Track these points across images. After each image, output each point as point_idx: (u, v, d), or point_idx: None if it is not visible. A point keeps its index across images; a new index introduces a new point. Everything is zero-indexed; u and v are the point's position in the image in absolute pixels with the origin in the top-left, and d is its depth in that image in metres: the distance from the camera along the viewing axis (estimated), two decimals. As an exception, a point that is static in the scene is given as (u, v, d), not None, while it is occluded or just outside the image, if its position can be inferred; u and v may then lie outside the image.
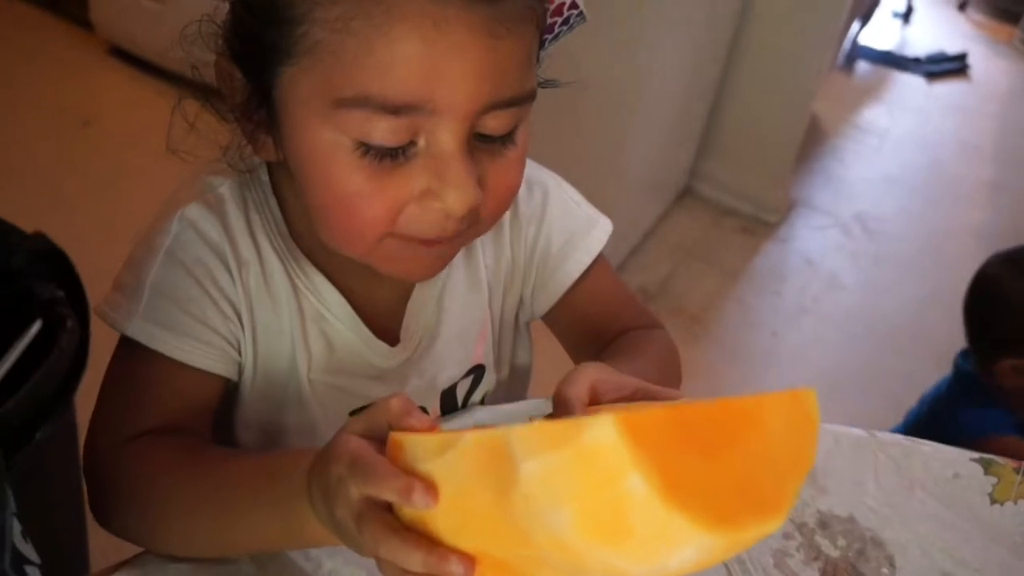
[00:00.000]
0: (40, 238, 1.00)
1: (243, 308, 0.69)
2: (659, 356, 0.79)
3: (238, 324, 0.69)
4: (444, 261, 0.67)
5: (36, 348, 0.90)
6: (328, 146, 0.58)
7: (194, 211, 0.69)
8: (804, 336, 2.47)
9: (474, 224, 0.63)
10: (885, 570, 0.71)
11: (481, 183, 0.59)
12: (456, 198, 0.58)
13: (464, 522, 0.45)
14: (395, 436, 0.48)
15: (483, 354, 0.81)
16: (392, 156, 0.57)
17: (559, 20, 0.68)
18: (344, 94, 0.56)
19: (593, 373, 0.59)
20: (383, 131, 0.56)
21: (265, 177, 0.72)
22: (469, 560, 0.45)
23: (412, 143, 0.57)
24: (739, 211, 2.90)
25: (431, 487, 0.44)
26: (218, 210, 0.69)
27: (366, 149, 0.57)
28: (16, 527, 0.54)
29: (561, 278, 0.83)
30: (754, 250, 2.80)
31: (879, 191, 3.42)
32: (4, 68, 2.77)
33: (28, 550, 0.55)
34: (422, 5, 0.53)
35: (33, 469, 0.78)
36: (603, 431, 0.38)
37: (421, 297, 0.76)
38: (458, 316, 0.78)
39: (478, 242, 0.78)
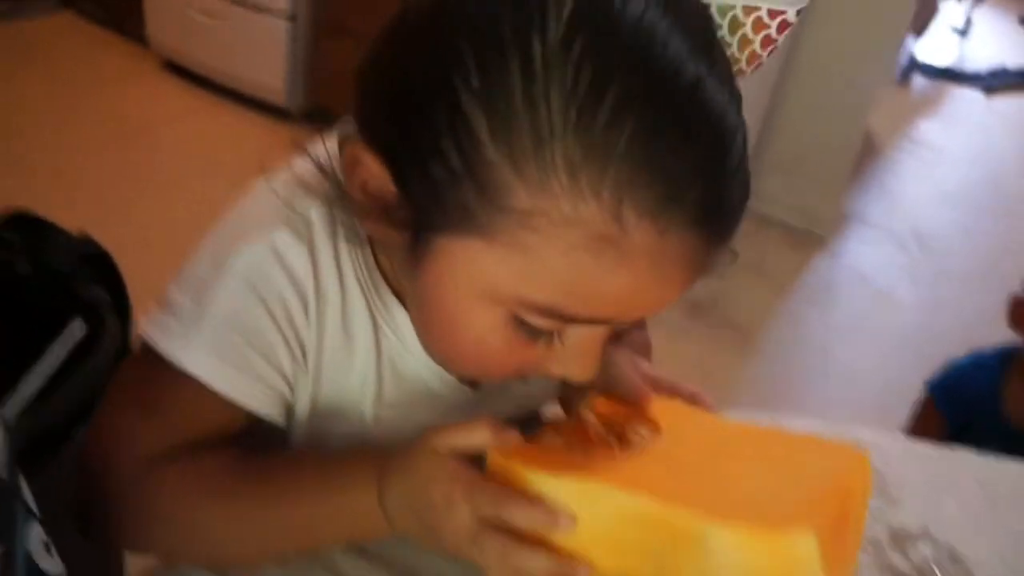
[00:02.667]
0: (85, 240, 0.99)
1: (311, 348, 0.63)
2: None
3: (303, 365, 0.64)
4: None
5: (78, 349, 0.89)
6: (480, 309, 0.55)
7: (284, 239, 0.60)
8: (856, 353, 2.41)
9: None
10: (961, 588, 0.67)
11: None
12: (578, 376, 0.57)
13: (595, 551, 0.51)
14: (516, 469, 0.53)
15: (544, 400, 0.79)
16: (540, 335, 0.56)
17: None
18: (535, 300, 0.52)
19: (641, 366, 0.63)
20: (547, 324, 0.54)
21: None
22: (589, 565, 0.51)
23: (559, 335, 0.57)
24: (790, 224, 2.85)
25: (570, 514, 0.51)
26: (308, 239, 0.61)
27: (519, 324, 0.54)
28: (36, 537, 0.50)
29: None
30: (805, 264, 2.74)
31: (935, 207, 3.34)
32: (66, 81, 2.83)
33: (51, 563, 0.51)
34: (651, 247, 0.49)
35: (70, 472, 0.76)
36: (806, 545, 0.44)
37: None
38: None
39: None
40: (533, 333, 0.54)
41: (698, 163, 0.48)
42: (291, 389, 0.64)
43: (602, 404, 0.62)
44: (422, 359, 0.66)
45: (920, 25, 4.26)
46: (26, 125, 2.52)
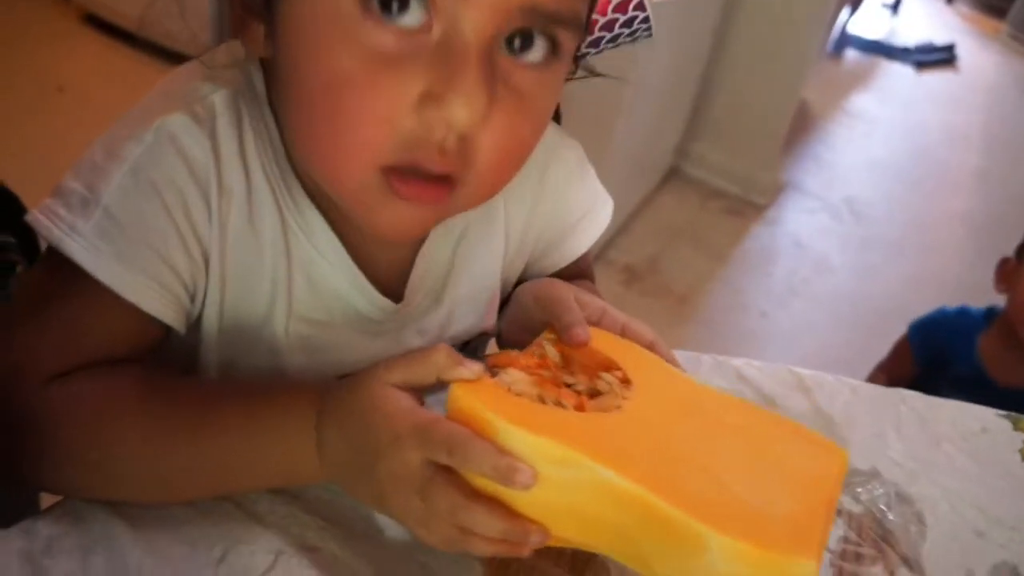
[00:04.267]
0: (-11, 182, 0.93)
1: (214, 249, 0.59)
2: None
3: (203, 268, 0.59)
4: (424, 224, 0.58)
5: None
6: (327, 10, 0.49)
7: (178, 121, 0.56)
8: (793, 318, 2.42)
9: (463, 182, 0.54)
10: (913, 527, 0.65)
11: (493, 125, 0.51)
12: (462, 105, 0.48)
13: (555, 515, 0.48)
14: (488, 417, 0.48)
15: (493, 321, 0.74)
16: (393, 7, 0.49)
17: (621, 18, 0.63)
18: None
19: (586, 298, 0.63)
20: None
21: (261, 87, 0.60)
22: (545, 531, 0.48)
23: (426, 30, 0.49)
24: (728, 193, 2.85)
25: (531, 469, 0.46)
26: (208, 124, 0.57)
27: (369, 9, 0.49)
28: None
29: (564, 252, 0.77)
30: (743, 232, 2.75)
31: (867, 176, 3.38)
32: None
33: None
34: None
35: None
36: (807, 571, 0.45)
37: (433, 251, 0.67)
38: (472, 277, 0.71)
39: (500, 199, 0.69)
40: (387, 12, 0.48)
41: None
42: (190, 294, 0.59)
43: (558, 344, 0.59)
44: (340, 267, 0.62)
45: (855, 0, 4.30)
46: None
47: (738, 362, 0.76)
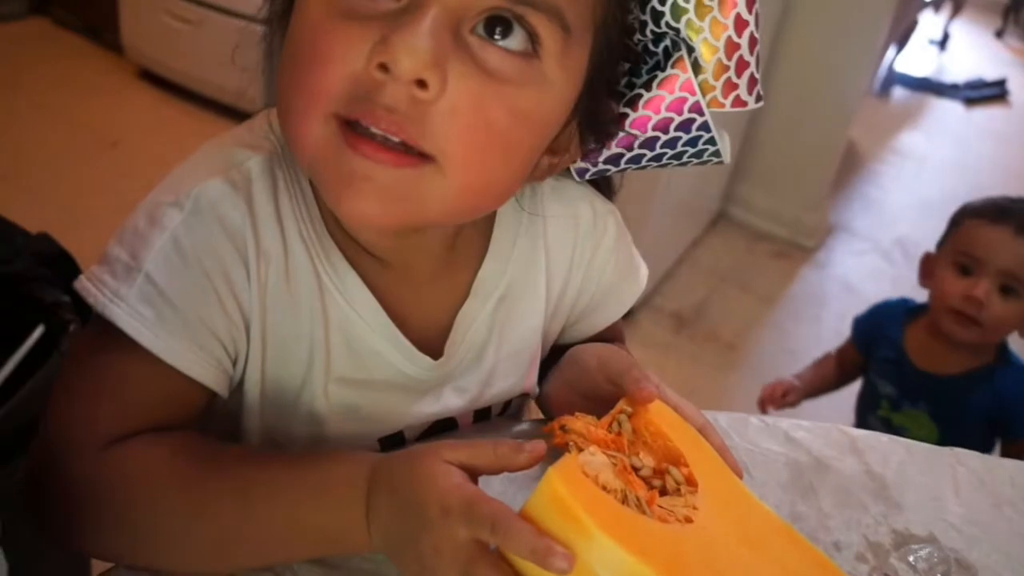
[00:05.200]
0: (45, 239, 0.95)
1: (254, 312, 0.60)
2: None
3: (243, 332, 0.60)
4: (392, 210, 0.54)
5: (39, 352, 0.85)
6: None
7: (216, 189, 0.58)
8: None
9: (434, 166, 0.53)
10: (975, 597, 0.63)
11: (453, 95, 0.51)
12: (404, 50, 0.48)
13: None
14: (581, 518, 0.48)
15: (534, 382, 0.74)
16: None
17: (676, 119, 0.59)
18: None
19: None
20: None
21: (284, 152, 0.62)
22: None
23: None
24: (775, 235, 2.82)
25: (569, 553, 0.46)
26: (244, 190, 0.59)
27: None
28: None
29: (601, 317, 0.77)
30: (791, 275, 2.71)
31: (918, 216, 3.33)
32: (40, 90, 2.77)
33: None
34: None
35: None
36: None
37: (474, 309, 0.67)
38: (513, 337, 0.70)
39: (543, 259, 0.70)
40: None
41: None
42: (232, 358, 0.60)
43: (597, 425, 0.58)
44: (377, 325, 0.63)
45: (900, 37, 4.27)
46: (-4, 134, 2.47)
47: (786, 424, 0.75)
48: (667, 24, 0.58)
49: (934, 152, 4.05)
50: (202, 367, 0.57)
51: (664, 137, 0.60)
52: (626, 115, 0.60)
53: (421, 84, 0.49)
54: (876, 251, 2.97)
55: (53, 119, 2.64)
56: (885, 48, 3.74)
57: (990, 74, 5.14)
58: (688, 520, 0.53)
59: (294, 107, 0.54)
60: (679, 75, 0.58)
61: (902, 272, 2.87)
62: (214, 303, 0.58)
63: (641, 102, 0.60)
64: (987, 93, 4.91)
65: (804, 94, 2.74)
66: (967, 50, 5.61)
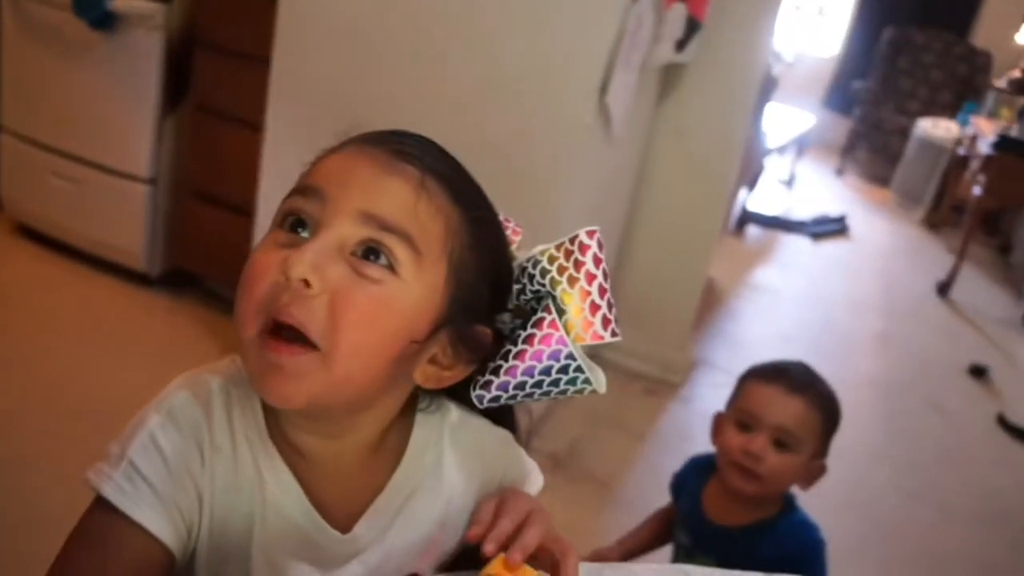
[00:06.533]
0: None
1: (206, 490, 0.75)
2: None
3: (197, 506, 0.75)
4: (289, 377, 0.70)
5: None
6: (265, 237, 0.73)
7: (183, 398, 0.77)
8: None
9: (321, 349, 0.69)
10: None
11: (331, 288, 0.68)
12: (294, 260, 0.67)
13: None
14: None
15: (427, 568, 0.85)
16: (299, 229, 0.71)
17: (546, 350, 0.76)
18: (291, 189, 0.74)
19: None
20: (299, 204, 0.72)
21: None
22: None
23: (316, 230, 0.70)
24: (645, 374, 2.98)
25: None
26: (204, 400, 0.77)
27: (283, 219, 0.72)
28: None
29: None
30: (659, 411, 2.87)
31: (776, 347, 3.56)
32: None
33: None
34: (353, 146, 0.74)
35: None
36: None
37: (384, 502, 0.81)
38: (413, 525, 0.83)
39: (452, 472, 0.84)
40: (295, 226, 0.71)
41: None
42: (187, 527, 0.75)
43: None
44: (298, 505, 0.78)
45: (750, 179, 4.62)
46: None
47: (634, 566, 0.86)
48: (537, 282, 0.78)
49: (787, 285, 4.35)
50: (168, 531, 0.73)
51: (540, 366, 0.76)
52: (509, 351, 0.77)
53: (307, 284, 0.68)
54: (735, 383, 3.16)
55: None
56: (737, 189, 4.04)
57: (833, 210, 5.58)
58: None
59: (241, 314, 0.71)
60: (546, 318, 0.75)
61: (762, 403, 3.06)
62: (178, 483, 0.74)
63: (520, 340, 0.77)
64: (831, 228, 5.32)
65: (664, 237, 2.95)
66: (812, 189, 6.08)
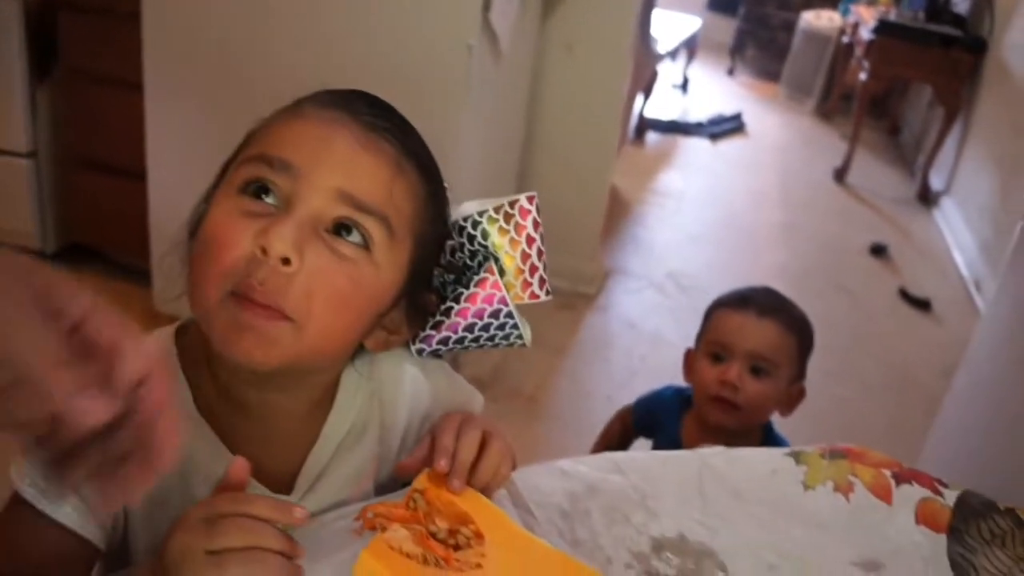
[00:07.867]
0: None
1: None
2: None
3: None
4: (262, 341, 0.69)
5: None
6: (223, 200, 0.71)
7: None
8: (637, 396, 2.57)
9: (298, 322, 0.69)
10: (721, 574, 0.78)
11: (309, 267, 0.68)
12: (274, 237, 0.67)
13: None
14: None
15: (366, 488, 0.86)
16: (262, 195, 0.70)
17: (488, 308, 0.79)
18: (250, 153, 0.72)
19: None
20: (264, 173, 0.70)
21: (174, 351, 0.79)
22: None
23: (289, 203, 0.69)
24: (559, 289, 3.01)
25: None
26: None
27: (245, 185, 0.71)
28: None
29: None
30: (577, 322, 2.92)
31: (685, 248, 3.65)
32: None
33: None
34: (320, 114, 0.73)
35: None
36: None
37: (318, 452, 0.82)
38: (347, 467, 0.84)
39: (378, 411, 0.85)
40: (258, 192, 0.70)
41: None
42: (112, 518, 0.75)
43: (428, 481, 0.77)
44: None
45: (644, 86, 4.66)
46: None
47: (561, 463, 0.89)
48: (478, 243, 0.81)
49: (690, 187, 4.43)
50: (89, 527, 0.73)
51: (480, 323, 0.81)
52: (452, 308, 0.80)
53: (286, 261, 0.67)
54: (651, 287, 3.23)
55: None
56: (633, 98, 4.08)
57: (728, 109, 5.67)
58: (479, 566, 0.70)
59: (203, 280, 0.70)
60: (489, 278, 0.79)
61: (677, 303, 3.14)
62: None
63: (463, 298, 0.79)
64: (728, 127, 5.41)
65: (564, 152, 2.97)
66: (706, 90, 6.16)
